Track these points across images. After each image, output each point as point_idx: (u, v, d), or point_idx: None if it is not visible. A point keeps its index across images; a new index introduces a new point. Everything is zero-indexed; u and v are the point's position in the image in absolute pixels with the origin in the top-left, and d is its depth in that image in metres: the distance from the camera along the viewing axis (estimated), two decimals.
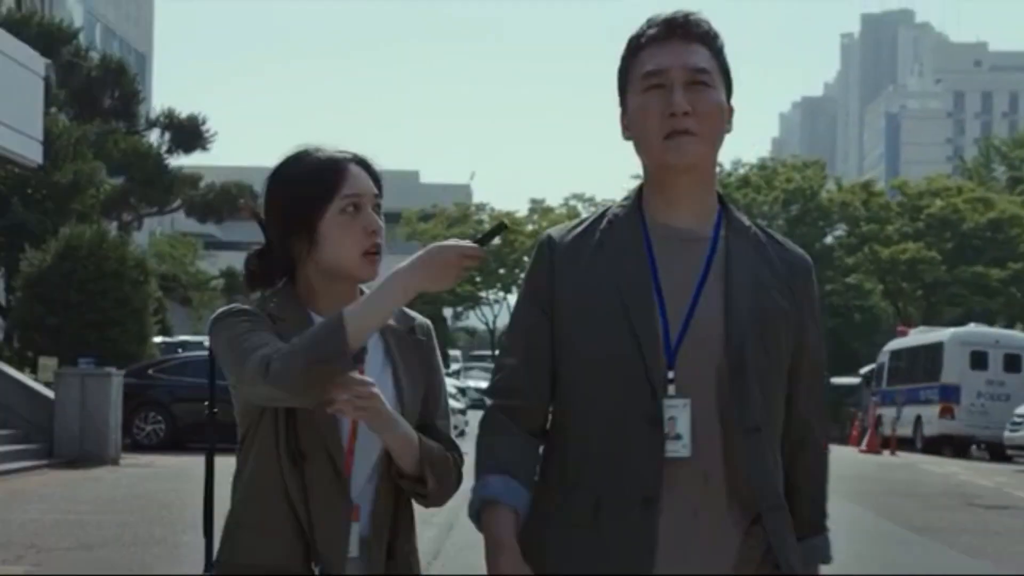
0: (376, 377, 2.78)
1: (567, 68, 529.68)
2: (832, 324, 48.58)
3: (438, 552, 10.50)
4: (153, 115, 28.74)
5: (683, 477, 2.57)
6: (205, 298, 37.19)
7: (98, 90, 24.11)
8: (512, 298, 60.20)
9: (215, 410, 3.10)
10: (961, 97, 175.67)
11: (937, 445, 30.67)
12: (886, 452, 29.73)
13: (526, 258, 56.09)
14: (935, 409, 30.74)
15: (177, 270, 40.77)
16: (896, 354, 34.65)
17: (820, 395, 2.80)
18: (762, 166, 56.02)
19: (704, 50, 2.69)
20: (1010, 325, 44.54)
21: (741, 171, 55.24)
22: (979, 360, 30.64)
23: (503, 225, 2.76)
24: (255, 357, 2.66)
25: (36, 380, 20.24)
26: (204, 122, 26.77)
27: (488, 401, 2.75)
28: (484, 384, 39.81)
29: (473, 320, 65.39)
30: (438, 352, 3.00)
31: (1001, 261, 48.73)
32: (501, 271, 59.05)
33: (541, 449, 2.73)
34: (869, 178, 63.77)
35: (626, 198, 2.78)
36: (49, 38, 22.34)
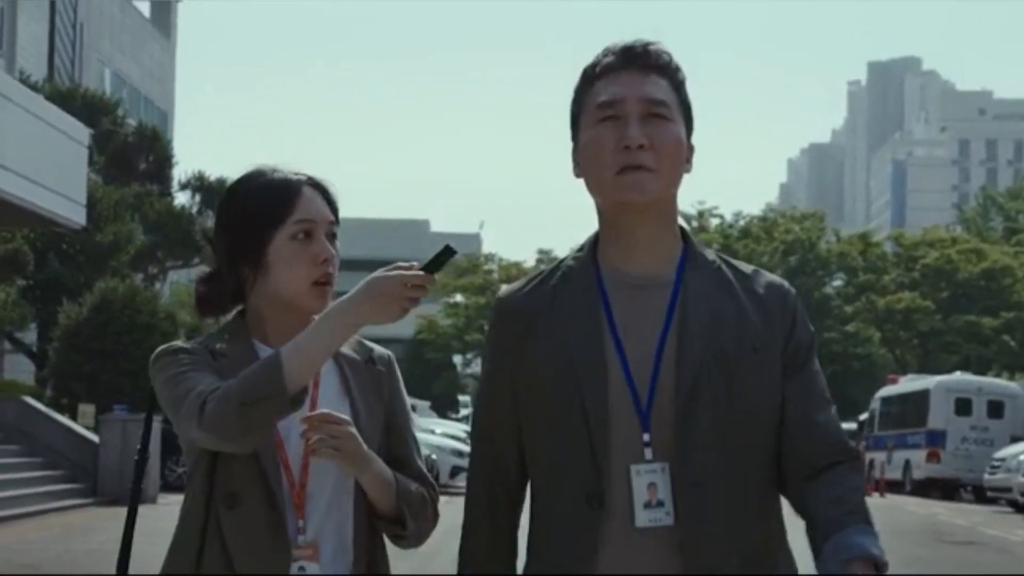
0: (331, 409, 2.63)
1: None
2: (831, 371, 50.17)
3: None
4: (177, 171, 30.37)
5: (627, 552, 2.39)
6: None
7: (133, 154, 25.92)
8: None
9: (147, 456, 3.04)
10: (966, 145, 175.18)
11: (925, 488, 32.03)
12: (876, 495, 31.09)
13: None
14: (922, 453, 32.13)
15: (194, 319, 42.39)
16: (887, 400, 36.13)
17: (831, 423, 2.49)
18: (763, 217, 57.56)
19: (663, 81, 2.50)
20: (998, 374, 45.91)
21: (742, 223, 56.77)
22: (963, 407, 32.11)
23: (450, 249, 2.48)
24: (190, 399, 2.51)
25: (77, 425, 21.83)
26: None
27: (468, 487, 2.62)
28: None
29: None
30: (401, 383, 2.84)
31: (994, 310, 50.10)
32: None
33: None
34: (867, 229, 65.17)
35: (580, 248, 2.57)
36: (92, 109, 24.15)
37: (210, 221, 24.61)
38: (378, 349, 2.82)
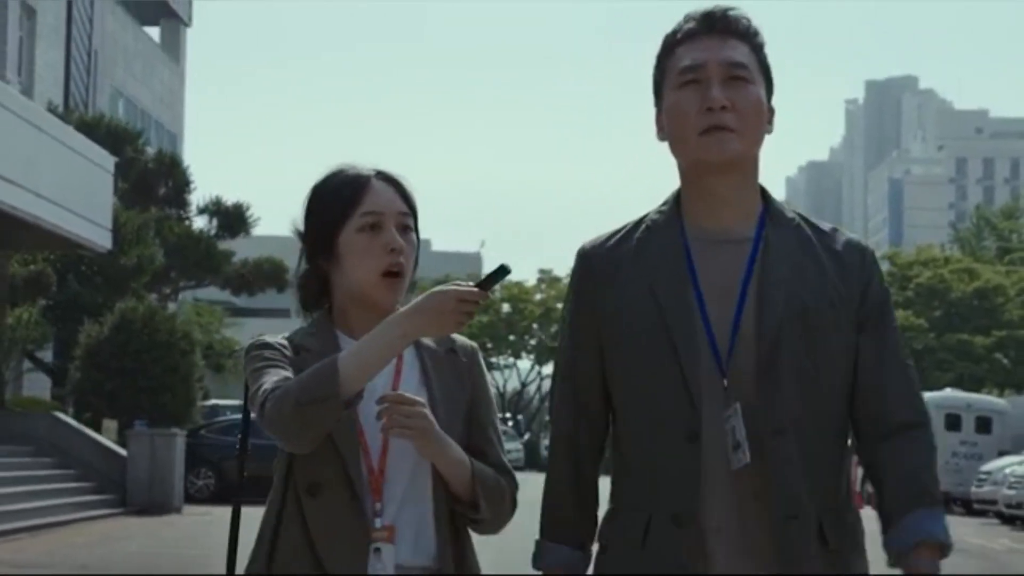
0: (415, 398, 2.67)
1: (578, 141, 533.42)
2: None
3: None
4: (195, 196, 31.39)
5: (722, 489, 2.48)
6: (237, 365, 39.62)
7: (153, 180, 27.09)
8: (522, 364, 61.99)
9: (245, 457, 3.03)
10: (963, 163, 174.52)
11: None
12: (868, 507, 31.88)
13: (535, 325, 58.24)
14: None
15: (206, 338, 43.28)
16: None
17: (898, 375, 2.57)
18: None
19: (743, 46, 2.60)
20: (991, 391, 46.67)
21: None
22: (953, 422, 32.84)
23: (505, 268, 2.57)
24: (259, 394, 2.60)
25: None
26: (248, 208, 29.71)
27: (551, 429, 2.71)
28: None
29: None
30: (486, 375, 2.89)
31: (986, 329, 50.95)
32: (511, 337, 61.07)
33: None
34: None
35: (664, 203, 2.67)
36: (115, 138, 25.30)
37: (227, 244, 25.72)
38: (462, 340, 2.87)
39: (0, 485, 17.20)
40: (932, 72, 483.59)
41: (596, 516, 2.68)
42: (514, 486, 2.81)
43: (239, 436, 2.95)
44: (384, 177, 2.78)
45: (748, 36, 2.62)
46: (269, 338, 2.75)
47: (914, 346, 52.07)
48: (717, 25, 2.60)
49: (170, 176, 27.69)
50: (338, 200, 2.73)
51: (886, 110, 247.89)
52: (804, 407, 2.49)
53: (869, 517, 2.52)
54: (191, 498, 23.57)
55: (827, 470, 2.53)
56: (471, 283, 2.57)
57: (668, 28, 2.66)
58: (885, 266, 57.40)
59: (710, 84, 2.54)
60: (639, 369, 2.54)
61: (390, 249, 2.70)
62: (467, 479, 2.71)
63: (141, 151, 27.35)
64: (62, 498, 19.43)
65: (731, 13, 2.62)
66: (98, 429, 24.13)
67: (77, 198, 21.12)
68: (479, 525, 2.77)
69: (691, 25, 2.61)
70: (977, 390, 44.09)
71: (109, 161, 22.95)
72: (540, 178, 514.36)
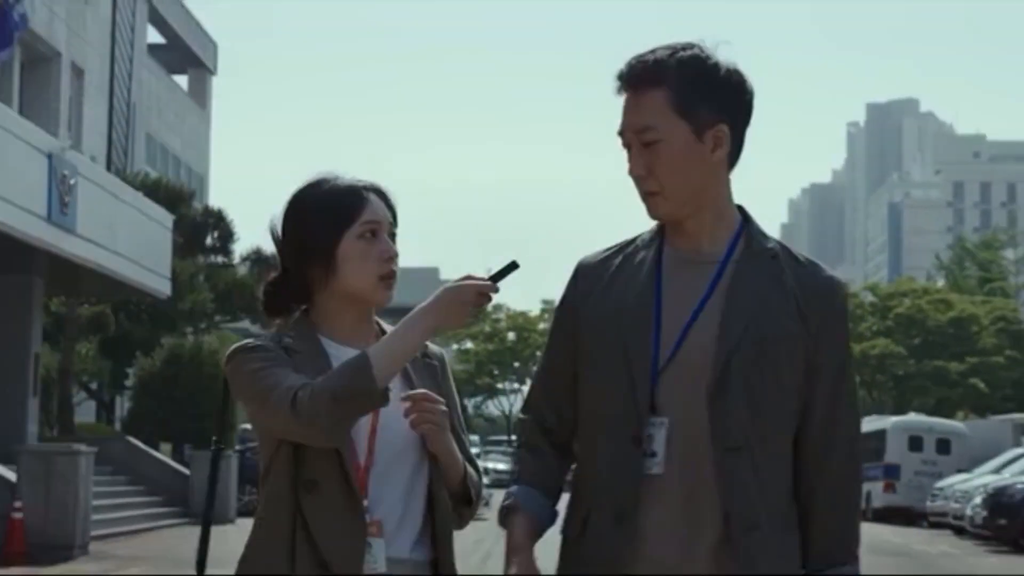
0: (396, 401, 2.75)
1: (586, 167, 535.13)
2: None
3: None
4: (234, 243, 34.53)
5: (661, 496, 2.55)
6: None
7: (201, 232, 30.82)
8: (526, 389, 64.56)
9: (221, 446, 3.27)
10: (960, 187, 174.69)
11: (884, 516, 35.14)
12: None
13: (539, 352, 60.50)
14: (880, 485, 35.47)
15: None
16: None
17: (845, 423, 2.65)
18: None
19: (656, 94, 2.54)
20: (964, 415, 49.33)
21: None
22: (916, 443, 35.79)
23: (515, 264, 2.70)
24: (279, 391, 2.66)
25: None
26: None
27: (522, 415, 2.82)
28: (503, 466, 44.51)
29: (491, 408, 68.59)
30: (452, 379, 3.01)
31: (961, 356, 53.27)
32: (516, 364, 63.83)
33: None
34: (845, 281, 68.69)
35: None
36: (172, 197, 28.95)
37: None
38: (432, 346, 2.98)
39: (91, 499, 20.58)
40: (932, 95, 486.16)
41: (561, 473, 2.79)
42: (481, 480, 2.97)
43: (214, 441, 3.26)
44: (375, 190, 2.91)
45: (663, 78, 2.54)
46: (262, 341, 2.83)
47: (894, 372, 55.03)
48: (631, 81, 2.57)
49: (216, 228, 31.41)
50: (339, 209, 2.84)
51: (887, 133, 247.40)
52: (753, 430, 2.56)
53: None
54: (242, 511, 26.34)
55: (776, 491, 2.61)
56: (484, 277, 2.72)
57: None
58: (867, 296, 60.36)
59: (631, 153, 2.59)
60: (596, 375, 2.64)
61: (387, 257, 2.85)
62: (461, 475, 2.88)
63: (191, 207, 31.01)
64: (138, 510, 22.94)
65: (637, 63, 2.58)
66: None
67: (144, 253, 24.48)
68: (462, 519, 2.94)
69: (616, 84, 2.61)
70: (952, 414, 46.99)
71: (168, 220, 26.41)
72: (546, 210, 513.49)
